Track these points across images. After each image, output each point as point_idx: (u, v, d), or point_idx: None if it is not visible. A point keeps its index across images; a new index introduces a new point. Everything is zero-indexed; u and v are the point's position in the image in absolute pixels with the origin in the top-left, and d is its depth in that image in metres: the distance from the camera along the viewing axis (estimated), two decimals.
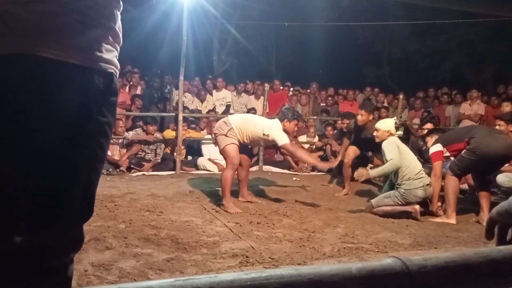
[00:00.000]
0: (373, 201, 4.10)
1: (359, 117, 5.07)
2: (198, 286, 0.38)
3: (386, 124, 4.28)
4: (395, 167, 3.96)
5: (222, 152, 4.13)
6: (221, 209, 3.91)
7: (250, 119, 4.27)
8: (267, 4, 10.76)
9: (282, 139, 4.06)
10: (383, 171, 4.10)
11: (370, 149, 5.49)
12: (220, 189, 4.89)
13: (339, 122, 6.85)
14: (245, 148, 4.41)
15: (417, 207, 3.94)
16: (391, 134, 4.22)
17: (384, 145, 4.12)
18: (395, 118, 4.88)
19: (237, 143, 4.09)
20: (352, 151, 5.31)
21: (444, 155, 4.12)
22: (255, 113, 7.40)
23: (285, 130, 4.20)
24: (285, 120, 4.25)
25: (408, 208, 3.95)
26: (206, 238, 3.00)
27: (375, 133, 4.32)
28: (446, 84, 9.82)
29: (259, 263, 2.57)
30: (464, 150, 3.89)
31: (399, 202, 3.98)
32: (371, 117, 5.09)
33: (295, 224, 3.52)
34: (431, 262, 0.50)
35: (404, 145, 4.30)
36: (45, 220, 1.03)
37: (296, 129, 4.63)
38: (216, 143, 4.33)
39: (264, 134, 4.10)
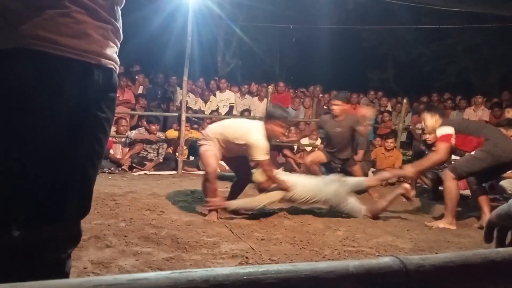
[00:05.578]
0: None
1: (334, 107, 4.74)
2: (193, 279, 0.38)
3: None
4: None
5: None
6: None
7: (230, 125, 3.73)
8: (272, 5, 10.78)
9: (259, 154, 3.43)
10: None
11: (345, 151, 4.98)
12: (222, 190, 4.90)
13: None
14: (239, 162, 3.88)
15: (407, 185, 3.93)
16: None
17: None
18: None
19: (213, 149, 3.59)
20: (317, 156, 5.02)
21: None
22: (249, 114, 7.39)
23: (268, 134, 3.57)
24: (268, 121, 3.59)
25: (399, 191, 3.91)
26: (206, 238, 2.99)
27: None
28: (451, 89, 9.79)
29: (258, 264, 2.57)
30: (477, 150, 3.66)
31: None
32: (347, 106, 4.78)
33: (296, 226, 3.51)
34: (429, 261, 0.50)
35: None
36: (42, 215, 1.03)
37: (283, 132, 3.82)
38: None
39: (239, 143, 3.53)
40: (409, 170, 4.03)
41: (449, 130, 3.76)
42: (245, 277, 0.41)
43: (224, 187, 5.01)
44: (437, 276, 0.50)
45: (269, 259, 2.66)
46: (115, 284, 0.36)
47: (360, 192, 4.65)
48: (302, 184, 3.78)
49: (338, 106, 4.73)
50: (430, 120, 3.92)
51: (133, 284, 0.36)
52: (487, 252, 0.53)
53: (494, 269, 0.53)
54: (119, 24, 1.11)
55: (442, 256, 0.52)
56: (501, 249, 0.55)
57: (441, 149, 3.78)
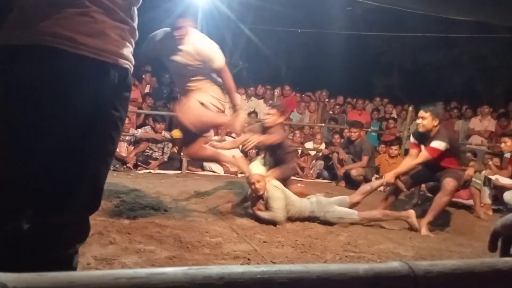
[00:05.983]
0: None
1: (266, 117, 4.27)
2: (210, 275, 0.39)
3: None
4: None
5: None
6: None
7: None
8: (280, 6, 10.81)
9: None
10: None
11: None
12: (226, 191, 4.92)
13: (346, 131, 6.87)
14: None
15: (412, 212, 3.89)
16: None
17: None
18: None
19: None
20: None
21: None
22: (256, 116, 7.41)
23: None
24: None
25: (405, 215, 3.88)
26: (208, 239, 3.00)
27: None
28: (456, 98, 9.77)
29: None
30: (461, 169, 4.05)
31: None
32: (280, 120, 4.32)
33: (298, 230, 3.52)
34: (437, 268, 0.51)
35: None
36: (51, 209, 1.04)
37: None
38: None
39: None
40: (388, 176, 4.10)
41: (442, 146, 3.88)
42: (258, 276, 0.42)
43: (228, 189, 5.04)
44: (443, 283, 0.51)
45: (271, 261, 2.67)
46: (135, 277, 0.37)
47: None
48: (297, 200, 3.74)
49: (271, 116, 4.22)
50: (430, 123, 3.95)
51: (152, 278, 0.38)
52: (494, 261, 0.54)
53: (501, 279, 0.53)
54: (135, 24, 1.13)
55: (449, 263, 0.53)
56: (508, 259, 0.56)
57: (422, 157, 3.96)
